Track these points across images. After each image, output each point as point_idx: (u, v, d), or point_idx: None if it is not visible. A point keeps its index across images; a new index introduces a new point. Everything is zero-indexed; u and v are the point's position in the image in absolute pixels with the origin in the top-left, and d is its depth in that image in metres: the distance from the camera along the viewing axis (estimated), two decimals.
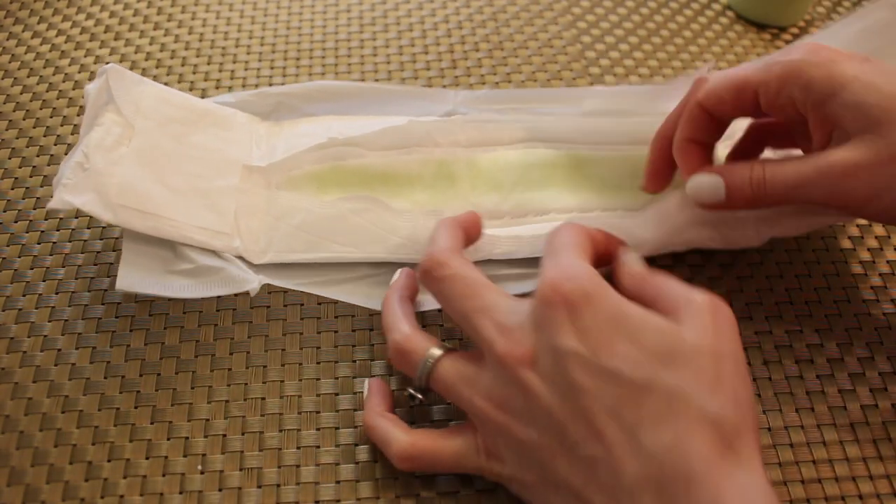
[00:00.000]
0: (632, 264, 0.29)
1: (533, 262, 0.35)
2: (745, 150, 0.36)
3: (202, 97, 0.42)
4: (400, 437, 0.28)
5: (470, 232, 0.32)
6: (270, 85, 0.43)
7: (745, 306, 0.35)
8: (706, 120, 0.32)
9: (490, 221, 0.36)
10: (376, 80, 0.44)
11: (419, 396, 0.30)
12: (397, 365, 0.30)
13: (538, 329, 0.25)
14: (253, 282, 0.33)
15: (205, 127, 0.38)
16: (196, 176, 0.36)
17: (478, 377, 0.27)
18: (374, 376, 0.32)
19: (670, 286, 0.27)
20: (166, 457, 0.30)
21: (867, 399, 0.33)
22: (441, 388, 0.28)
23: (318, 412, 0.31)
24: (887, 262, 0.37)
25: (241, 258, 0.35)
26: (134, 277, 0.33)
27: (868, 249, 0.38)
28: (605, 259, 0.30)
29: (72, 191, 0.32)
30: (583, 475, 0.24)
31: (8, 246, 0.36)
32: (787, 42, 0.48)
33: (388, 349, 0.30)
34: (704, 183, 0.32)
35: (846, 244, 0.38)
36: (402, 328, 0.29)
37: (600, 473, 0.24)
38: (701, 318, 0.25)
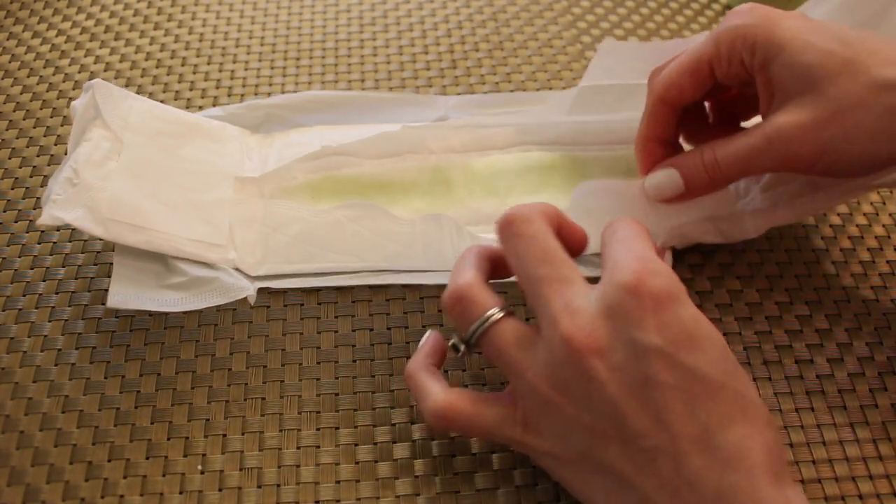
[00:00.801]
0: None
1: None
2: (719, 130, 0.35)
3: (202, 97, 0.43)
4: (438, 392, 0.28)
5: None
6: (270, 85, 0.43)
7: (746, 306, 0.35)
8: (668, 114, 0.33)
9: (489, 226, 0.36)
10: (376, 80, 0.44)
11: (463, 348, 0.28)
12: (450, 311, 0.28)
13: (614, 318, 0.25)
14: (249, 289, 0.33)
15: (194, 140, 0.37)
16: (188, 189, 0.35)
17: (535, 349, 0.26)
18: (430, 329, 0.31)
19: None
20: (166, 456, 0.30)
21: (867, 399, 0.33)
22: (492, 350, 0.27)
23: (318, 412, 0.31)
24: (887, 261, 0.37)
25: (237, 270, 0.34)
26: (126, 294, 0.32)
27: (868, 249, 0.38)
28: None
29: (62, 206, 0.32)
30: (636, 464, 0.25)
31: (8, 246, 0.36)
32: None
33: (447, 293, 0.28)
34: (661, 178, 0.33)
35: (846, 244, 0.38)
36: (468, 274, 0.28)
37: (660, 464, 0.24)
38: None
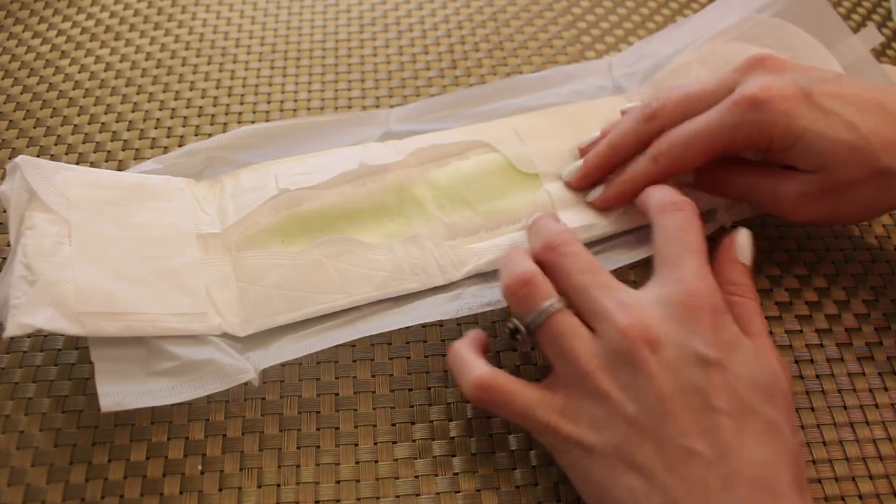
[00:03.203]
0: (738, 277, 0.30)
1: None
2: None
3: (202, 97, 0.43)
4: (482, 366, 0.29)
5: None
6: (270, 85, 0.43)
7: None
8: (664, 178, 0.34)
9: (467, 238, 0.35)
10: (376, 80, 0.44)
11: (523, 330, 0.29)
12: (515, 294, 0.29)
13: (675, 321, 0.27)
14: (248, 371, 0.30)
15: (143, 202, 0.34)
16: (153, 259, 0.32)
17: (590, 339, 0.28)
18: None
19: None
20: (167, 456, 0.30)
21: (867, 399, 0.33)
22: (551, 336, 0.28)
23: (318, 412, 0.31)
24: (887, 262, 0.37)
25: (225, 335, 0.32)
26: (118, 393, 0.29)
27: (867, 250, 0.38)
28: None
29: (26, 311, 0.28)
30: (669, 462, 0.25)
31: (8, 246, 0.36)
32: None
33: (511, 278, 0.29)
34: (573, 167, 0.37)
35: (846, 244, 0.38)
36: (529, 262, 0.30)
37: (693, 467, 0.25)
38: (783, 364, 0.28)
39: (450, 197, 0.37)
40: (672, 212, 0.30)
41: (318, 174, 0.36)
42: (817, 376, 0.33)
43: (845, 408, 0.32)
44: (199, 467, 0.30)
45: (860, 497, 0.30)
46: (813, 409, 0.32)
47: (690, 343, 0.26)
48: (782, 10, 0.40)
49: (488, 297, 0.33)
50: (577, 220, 0.35)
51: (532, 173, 0.37)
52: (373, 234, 0.35)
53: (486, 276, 0.34)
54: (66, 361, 0.32)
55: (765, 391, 0.26)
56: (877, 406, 0.33)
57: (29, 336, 0.33)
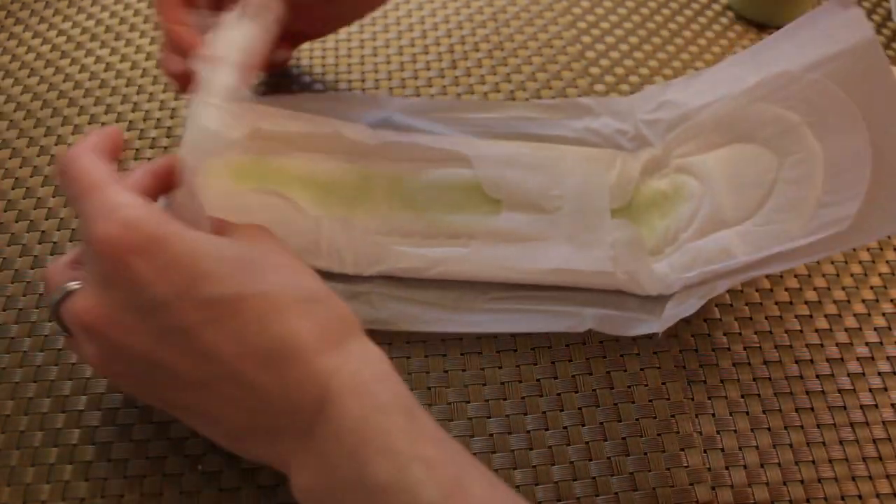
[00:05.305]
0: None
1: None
2: None
3: None
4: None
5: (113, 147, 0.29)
6: (270, 85, 0.43)
7: (746, 306, 0.35)
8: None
9: (400, 239, 0.36)
10: (376, 81, 0.44)
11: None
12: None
13: (110, 287, 0.25)
14: None
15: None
16: None
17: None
18: None
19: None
20: (165, 457, 0.30)
21: (867, 399, 0.33)
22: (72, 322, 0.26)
23: None
24: (886, 262, 0.37)
25: None
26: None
27: (868, 250, 0.38)
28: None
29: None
30: (202, 397, 0.25)
31: (8, 246, 0.36)
32: None
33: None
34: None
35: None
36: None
37: (225, 391, 0.24)
38: (246, 230, 0.28)
39: (402, 196, 0.37)
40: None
41: (291, 124, 0.37)
42: (817, 376, 0.33)
43: (845, 408, 0.32)
44: (200, 467, 0.30)
45: (860, 497, 0.30)
46: (813, 409, 0.32)
47: (137, 297, 0.24)
48: (832, 71, 0.32)
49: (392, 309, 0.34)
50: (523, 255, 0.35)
51: (495, 198, 0.37)
52: (316, 204, 0.36)
53: (397, 281, 0.34)
54: (66, 361, 0.32)
55: (243, 273, 0.25)
56: (877, 406, 0.33)
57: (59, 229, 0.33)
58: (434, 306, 0.34)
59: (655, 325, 0.34)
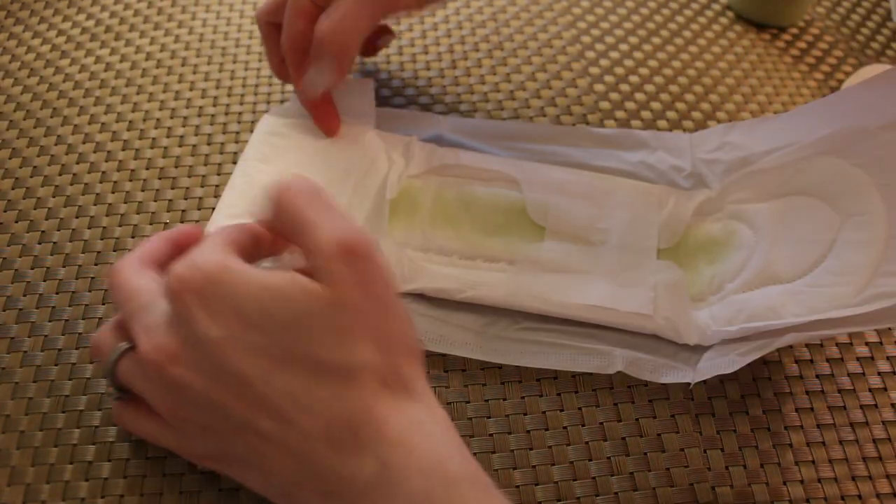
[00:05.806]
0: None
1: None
2: None
3: (202, 97, 0.43)
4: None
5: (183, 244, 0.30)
6: (270, 85, 0.43)
7: None
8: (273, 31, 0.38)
9: (437, 257, 0.35)
10: (376, 81, 0.44)
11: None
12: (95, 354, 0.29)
13: (175, 322, 0.25)
14: None
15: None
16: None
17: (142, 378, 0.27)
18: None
19: (307, 228, 0.26)
20: (165, 457, 0.30)
21: (867, 399, 0.33)
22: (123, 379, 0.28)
23: None
24: None
25: None
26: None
27: None
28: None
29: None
30: (256, 446, 0.25)
31: (8, 246, 0.36)
32: (788, 42, 0.48)
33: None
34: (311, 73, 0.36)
35: None
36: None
37: (274, 440, 0.24)
38: (325, 271, 0.25)
39: (444, 214, 0.37)
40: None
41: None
42: (817, 376, 0.33)
43: (845, 408, 0.32)
44: (200, 467, 0.30)
45: (860, 497, 0.30)
46: (813, 409, 0.32)
47: (194, 334, 0.25)
48: None
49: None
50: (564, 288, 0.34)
51: (540, 225, 0.36)
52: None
53: (428, 299, 0.34)
54: (66, 361, 0.32)
55: (287, 327, 0.24)
56: (877, 406, 0.33)
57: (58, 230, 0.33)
58: (462, 329, 0.34)
59: (689, 374, 0.32)
